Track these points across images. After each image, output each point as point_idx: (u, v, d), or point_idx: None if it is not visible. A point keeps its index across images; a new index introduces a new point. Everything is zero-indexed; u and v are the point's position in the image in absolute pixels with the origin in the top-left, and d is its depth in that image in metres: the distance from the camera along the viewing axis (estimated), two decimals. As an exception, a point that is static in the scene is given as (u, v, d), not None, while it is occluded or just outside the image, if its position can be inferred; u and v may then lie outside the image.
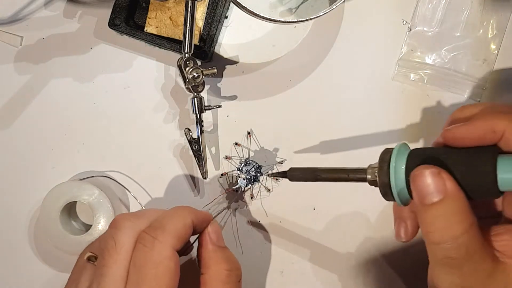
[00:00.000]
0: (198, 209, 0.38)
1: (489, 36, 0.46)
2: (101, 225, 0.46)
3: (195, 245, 0.38)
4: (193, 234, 0.37)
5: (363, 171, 0.32)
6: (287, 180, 0.37)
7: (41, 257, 0.48)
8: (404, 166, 0.30)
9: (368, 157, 0.34)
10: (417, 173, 0.28)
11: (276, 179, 0.47)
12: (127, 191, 0.48)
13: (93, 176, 0.48)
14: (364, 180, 0.32)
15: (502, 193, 0.28)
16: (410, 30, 0.46)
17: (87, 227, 0.47)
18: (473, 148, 0.29)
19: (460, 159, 0.28)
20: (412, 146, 0.32)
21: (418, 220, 0.30)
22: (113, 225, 0.35)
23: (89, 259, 0.35)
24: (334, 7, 0.42)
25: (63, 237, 0.46)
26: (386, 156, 0.31)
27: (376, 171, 0.31)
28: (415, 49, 0.46)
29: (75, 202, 0.47)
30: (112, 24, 0.46)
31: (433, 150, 0.30)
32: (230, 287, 0.36)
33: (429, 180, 0.28)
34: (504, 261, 0.28)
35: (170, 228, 0.34)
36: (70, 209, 0.48)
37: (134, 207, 0.48)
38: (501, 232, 0.29)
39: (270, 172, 0.46)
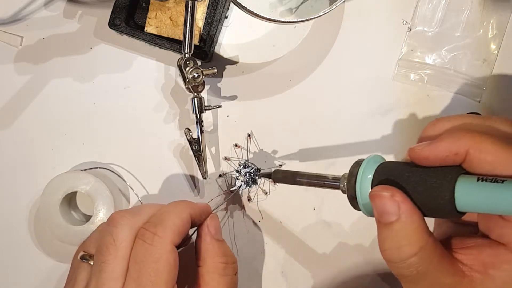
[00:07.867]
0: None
1: (489, 36, 0.46)
2: (102, 213, 0.46)
3: (194, 236, 0.38)
4: (193, 226, 0.38)
5: (337, 180, 0.33)
6: None
7: (41, 248, 0.49)
8: (371, 181, 0.30)
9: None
10: (373, 194, 0.29)
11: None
12: (125, 183, 0.48)
13: (92, 168, 0.48)
14: (338, 188, 0.33)
15: (463, 213, 0.28)
16: (410, 30, 0.46)
17: (88, 218, 0.47)
18: (436, 168, 0.28)
19: (421, 180, 0.28)
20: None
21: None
22: (110, 223, 0.35)
23: (82, 258, 0.36)
24: (334, 7, 0.42)
25: (64, 228, 0.46)
26: (355, 169, 0.31)
27: (345, 184, 0.32)
28: (415, 49, 0.46)
29: (75, 193, 0.48)
30: (112, 24, 0.46)
31: (399, 167, 0.30)
32: (226, 279, 0.36)
33: (384, 201, 0.28)
34: (471, 275, 0.28)
35: (169, 224, 0.35)
36: (70, 201, 0.48)
37: (134, 199, 0.48)
38: (470, 246, 0.29)
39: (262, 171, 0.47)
